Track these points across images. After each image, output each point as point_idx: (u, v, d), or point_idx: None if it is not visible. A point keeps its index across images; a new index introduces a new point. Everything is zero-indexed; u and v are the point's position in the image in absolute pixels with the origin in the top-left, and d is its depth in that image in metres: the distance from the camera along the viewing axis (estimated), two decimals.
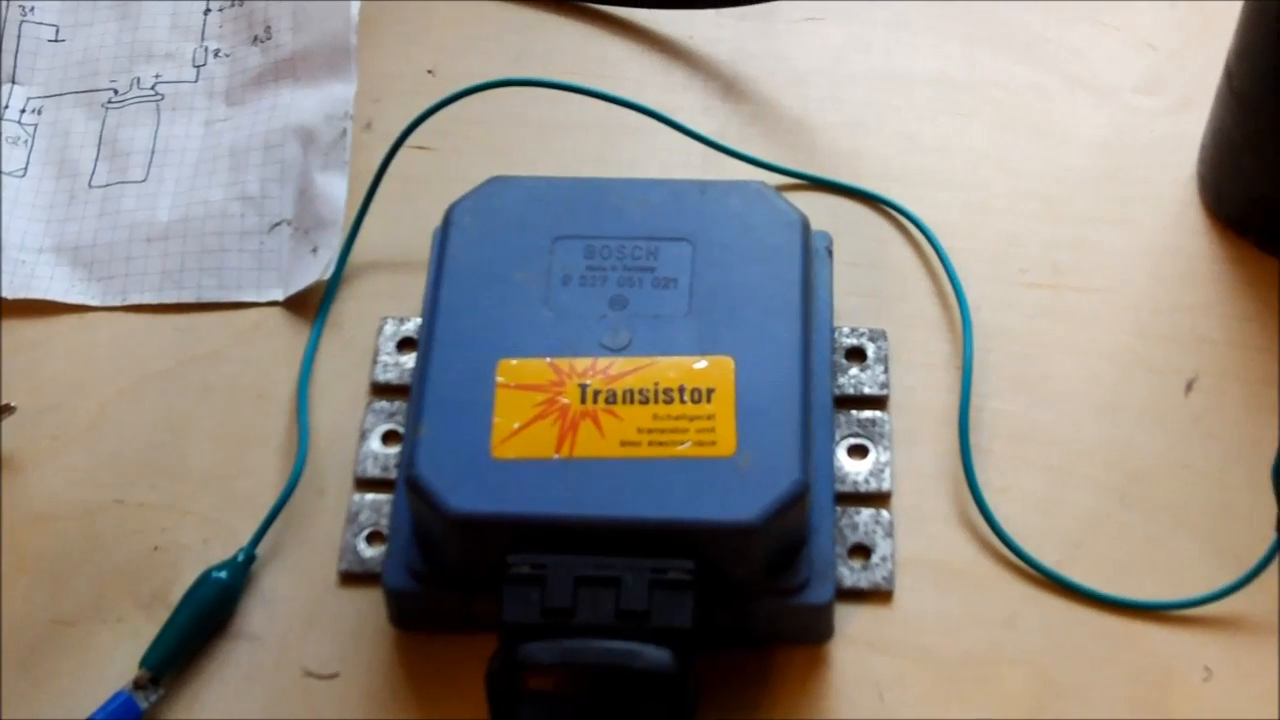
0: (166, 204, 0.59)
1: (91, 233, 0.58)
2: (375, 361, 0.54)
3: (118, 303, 0.57)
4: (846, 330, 0.53)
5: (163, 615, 0.48)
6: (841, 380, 0.52)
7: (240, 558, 0.49)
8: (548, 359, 0.47)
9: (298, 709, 0.47)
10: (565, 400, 0.46)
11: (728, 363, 0.47)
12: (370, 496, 0.51)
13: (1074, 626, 0.48)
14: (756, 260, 0.49)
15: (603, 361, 0.47)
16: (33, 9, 0.64)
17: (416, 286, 0.53)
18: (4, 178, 0.59)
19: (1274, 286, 0.55)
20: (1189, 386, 0.53)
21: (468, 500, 0.44)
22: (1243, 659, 0.47)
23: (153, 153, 0.60)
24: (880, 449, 0.51)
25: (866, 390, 0.52)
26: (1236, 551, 0.49)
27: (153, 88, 0.62)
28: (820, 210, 0.56)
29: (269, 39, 0.62)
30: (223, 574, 0.49)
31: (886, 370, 0.53)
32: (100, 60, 0.63)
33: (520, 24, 0.64)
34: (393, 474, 0.51)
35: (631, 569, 0.44)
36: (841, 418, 0.51)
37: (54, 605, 0.49)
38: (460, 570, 0.46)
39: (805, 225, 0.51)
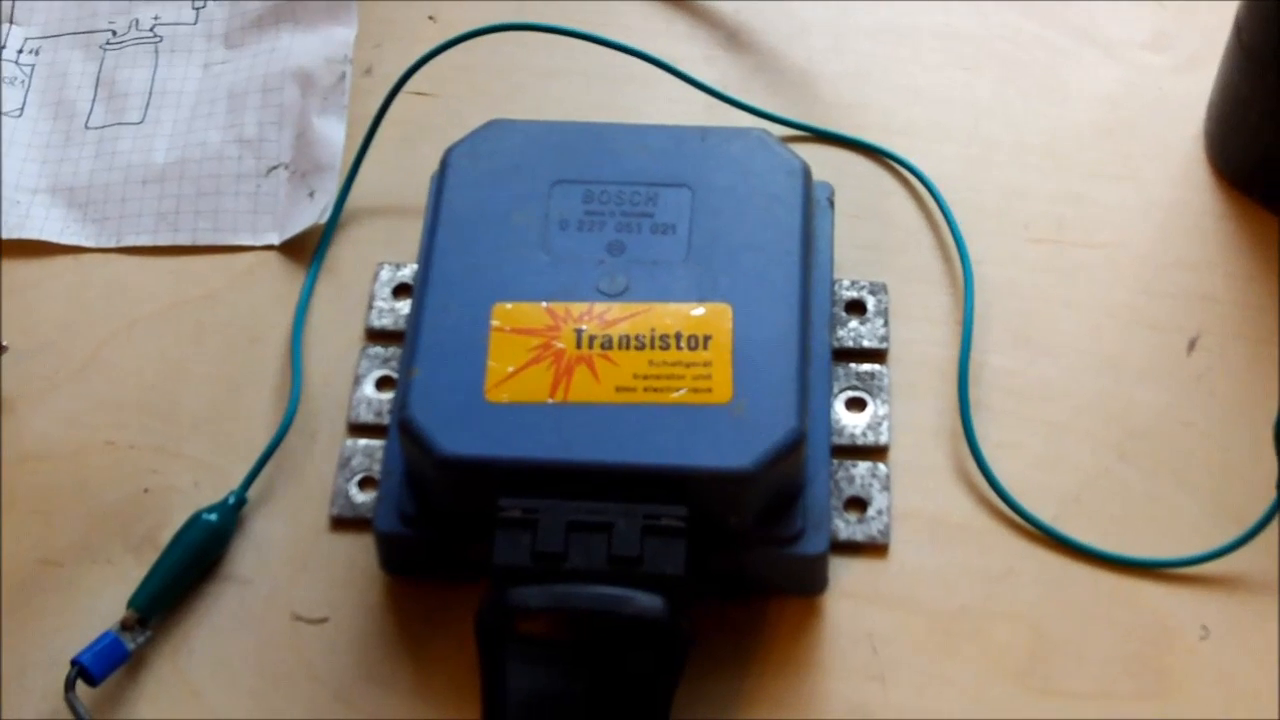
0: (163, 146, 0.58)
1: (87, 174, 0.58)
2: (370, 307, 0.53)
3: (112, 244, 0.56)
4: (846, 283, 0.53)
5: (152, 557, 0.48)
6: (841, 333, 0.52)
7: (231, 501, 0.49)
8: (544, 303, 0.47)
9: (286, 652, 0.47)
10: (560, 345, 0.46)
11: (725, 310, 0.46)
12: (363, 442, 0.50)
13: (1070, 583, 0.48)
14: (756, 207, 0.49)
15: (599, 306, 0.47)
16: None
17: (413, 232, 0.53)
18: (1, 118, 0.59)
19: (1279, 245, 0.54)
20: (1191, 344, 0.52)
21: (460, 443, 0.44)
22: (1240, 618, 0.47)
23: (150, 94, 0.60)
24: (879, 402, 0.50)
25: (866, 343, 0.52)
26: (1236, 510, 0.49)
27: (151, 29, 0.62)
28: (822, 162, 0.56)
29: None
30: (213, 517, 0.48)
31: (886, 324, 0.52)
32: (99, 1, 0.62)
33: None
34: (385, 419, 0.51)
35: (624, 515, 0.43)
36: (840, 370, 0.51)
37: (43, 545, 0.49)
38: (452, 514, 0.46)
39: (806, 173, 0.50)
